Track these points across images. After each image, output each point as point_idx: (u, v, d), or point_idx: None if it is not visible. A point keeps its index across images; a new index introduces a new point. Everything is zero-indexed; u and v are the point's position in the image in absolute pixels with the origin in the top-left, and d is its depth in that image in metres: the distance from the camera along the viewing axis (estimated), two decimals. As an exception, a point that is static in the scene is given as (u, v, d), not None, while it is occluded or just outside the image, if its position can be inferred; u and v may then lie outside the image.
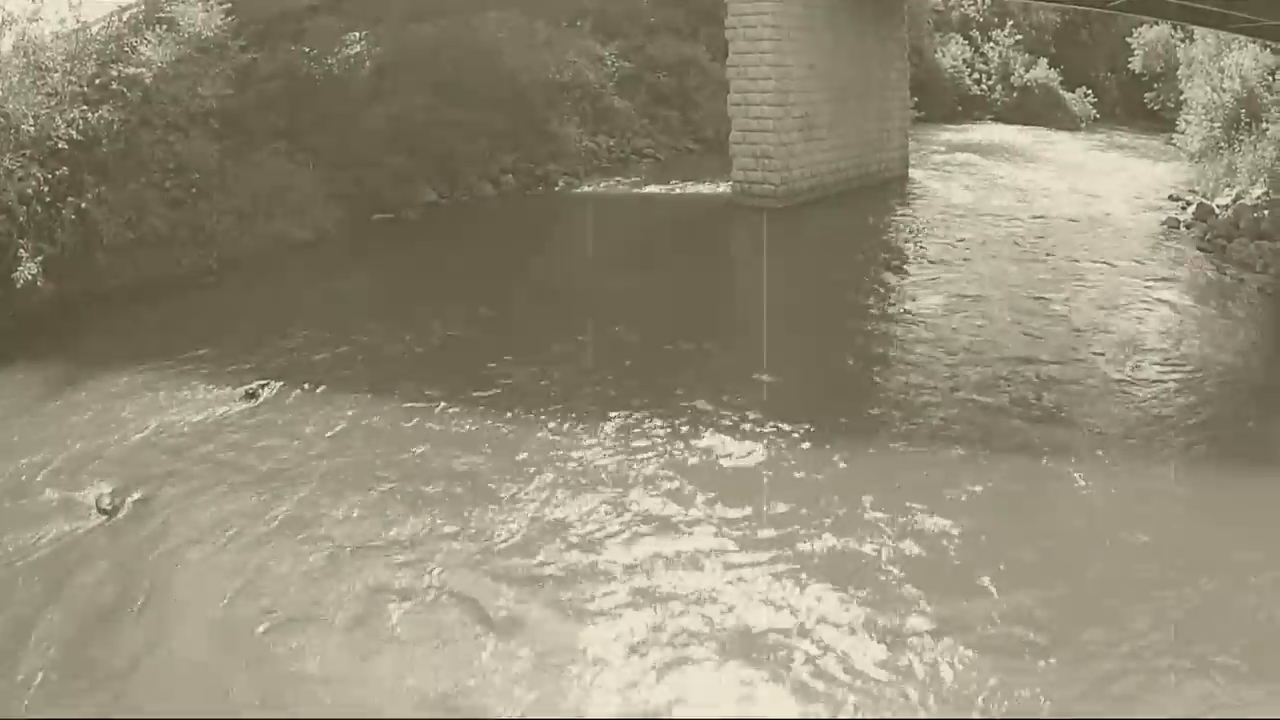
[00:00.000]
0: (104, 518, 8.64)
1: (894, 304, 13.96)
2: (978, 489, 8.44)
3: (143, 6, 19.56)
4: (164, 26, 17.39)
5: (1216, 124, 23.70)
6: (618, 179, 24.48)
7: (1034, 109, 40.22)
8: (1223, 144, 23.07)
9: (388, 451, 9.49)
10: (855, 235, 18.01)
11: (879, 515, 8.02)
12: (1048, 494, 8.45)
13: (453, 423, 10.07)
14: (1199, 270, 15.64)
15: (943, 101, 38.82)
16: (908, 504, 8.15)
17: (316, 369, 11.67)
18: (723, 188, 21.51)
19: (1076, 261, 16.24)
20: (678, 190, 22.71)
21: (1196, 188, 23.40)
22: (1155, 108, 40.24)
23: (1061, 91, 40.99)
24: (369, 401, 10.66)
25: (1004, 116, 40.23)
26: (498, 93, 23.49)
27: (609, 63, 28.30)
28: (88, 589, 7.57)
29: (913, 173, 24.00)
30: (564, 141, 24.80)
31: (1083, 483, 8.51)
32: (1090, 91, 41.40)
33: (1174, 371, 11.13)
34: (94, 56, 17.29)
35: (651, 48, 29.66)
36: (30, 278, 14.50)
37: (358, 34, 22.83)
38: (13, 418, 11.21)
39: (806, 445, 9.27)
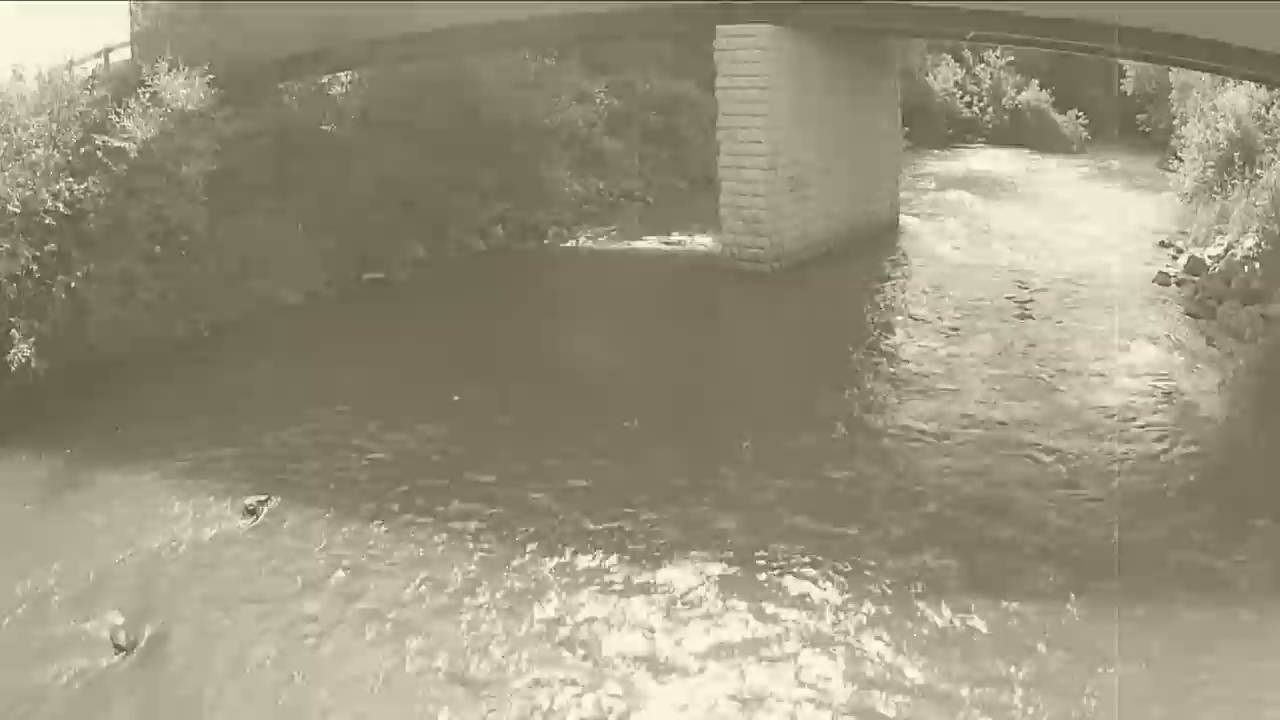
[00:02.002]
0: (121, 654, 9.00)
1: (873, 403, 14.03)
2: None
3: (102, 62, 19.94)
4: (147, 95, 17.66)
5: (1210, 164, 23.79)
6: (607, 228, 24.85)
7: (1026, 132, 40.97)
8: (1215, 187, 23.26)
9: (388, 584, 9.86)
10: (841, 305, 18.40)
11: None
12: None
13: (449, 549, 10.44)
14: (1185, 343, 16.02)
15: (934, 126, 39.51)
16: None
17: (312, 480, 12.02)
18: (711, 241, 21.98)
19: (1060, 329, 16.75)
20: (666, 246, 23.06)
21: (1188, 229, 23.98)
22: (1147, 130, 41.11)
23: (1053, 114, 41.70)
24: (366, 521, 11.02)
25: (996, 139, 40.96)
26: (487, 141, 23.88)
27: (599, 100, 28.72)
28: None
29: (903, 219, 24.50)
30: (553, 187, 25.19)
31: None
32: (1082, 114, 42.09)
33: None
34: (77, 122, 17.63)
35: (641, 84, 30.09)
36: (24, 360, 14.89)
37: (343, 83, 23.24)
38: (11, 524, 11.60)
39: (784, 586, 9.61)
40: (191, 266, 18.25)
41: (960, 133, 41.06)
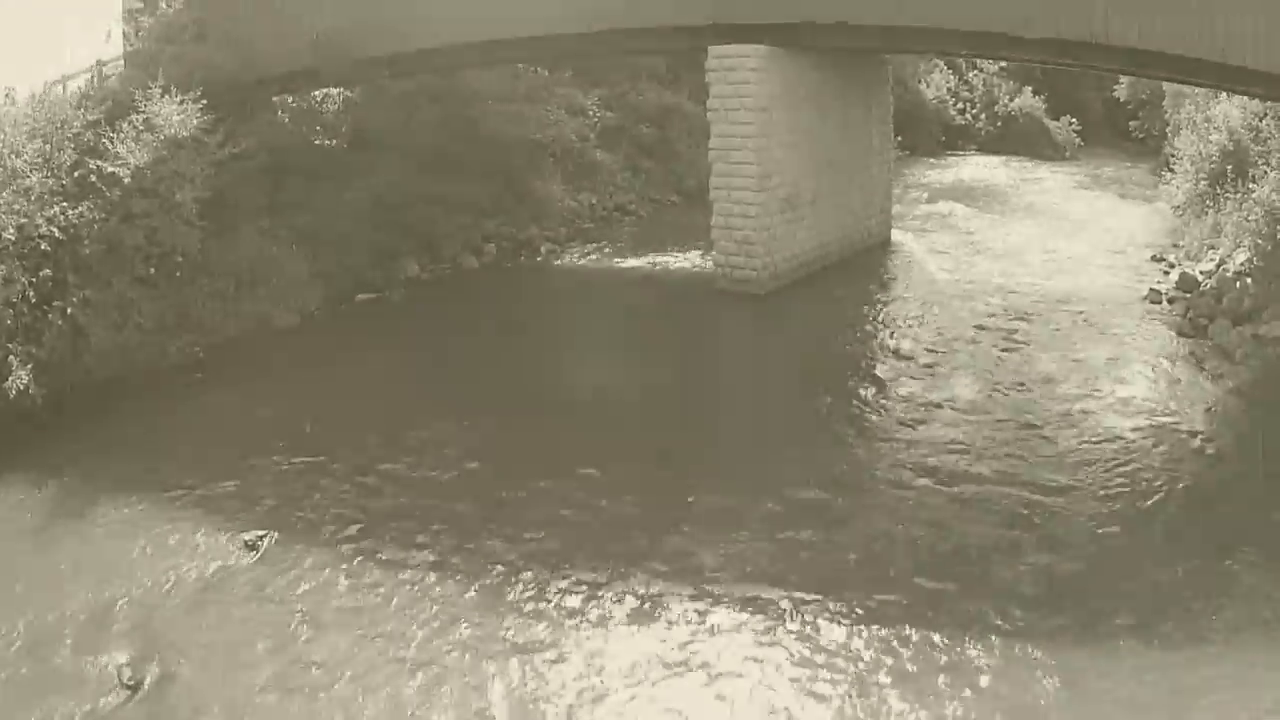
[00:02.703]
0: (128, 693, 9.24)
1: (848, 455, 13.81)
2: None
3: (94, 79, 20.11)
4: (140, 120, 17.86)
5: (1202, 177, 24.05)
6: (600, 244, 25.11)
7: (1018, 139, 41.42)
8: (1208, 200, 23.44)
9: (381, 628, 10.11)
10: (826, 335, 18.39)
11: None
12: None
13: (450, 588, 10.71)
14: (1175, 368, 16.25)
15: (927, 133, 39.97)
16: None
17: (310, 514, 12.27)
18: (703, 259, 22.30)
19: (1047, 360, 16.78)
20: (659, 265, 23.27)
21: (1180, 242, 24.29)
22: (1140, 136, 41.56)
23: (1046, 121, 42.12)
24: (364, 558, 11.30)
25: (988, 146, 41.42)
26: (480, 157, 24.16)
27: (592, 114, 29.01)
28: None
29: (895, 234, 24.78)
30: (546, 202, 25.50)
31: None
32: (1074, 120, 42.52)
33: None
34: (70, 144, 17.82)
35: (634, 96, 30.40)
36: (23, 386, 15.09)
37: (335, 100, 23.49)
38: (14, 555, 11.78)
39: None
40: (186, 288, 18.49)
41: (953, 140, 41.52)
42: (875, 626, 9.73)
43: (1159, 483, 12.48)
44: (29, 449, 14.41)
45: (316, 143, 21.69)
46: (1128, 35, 16.74)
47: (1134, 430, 13.95)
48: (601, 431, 14.42)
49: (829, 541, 11.31)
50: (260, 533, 11.74)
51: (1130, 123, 42.99)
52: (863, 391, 15.79)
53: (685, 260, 23.44)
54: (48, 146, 17.42)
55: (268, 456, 13.88)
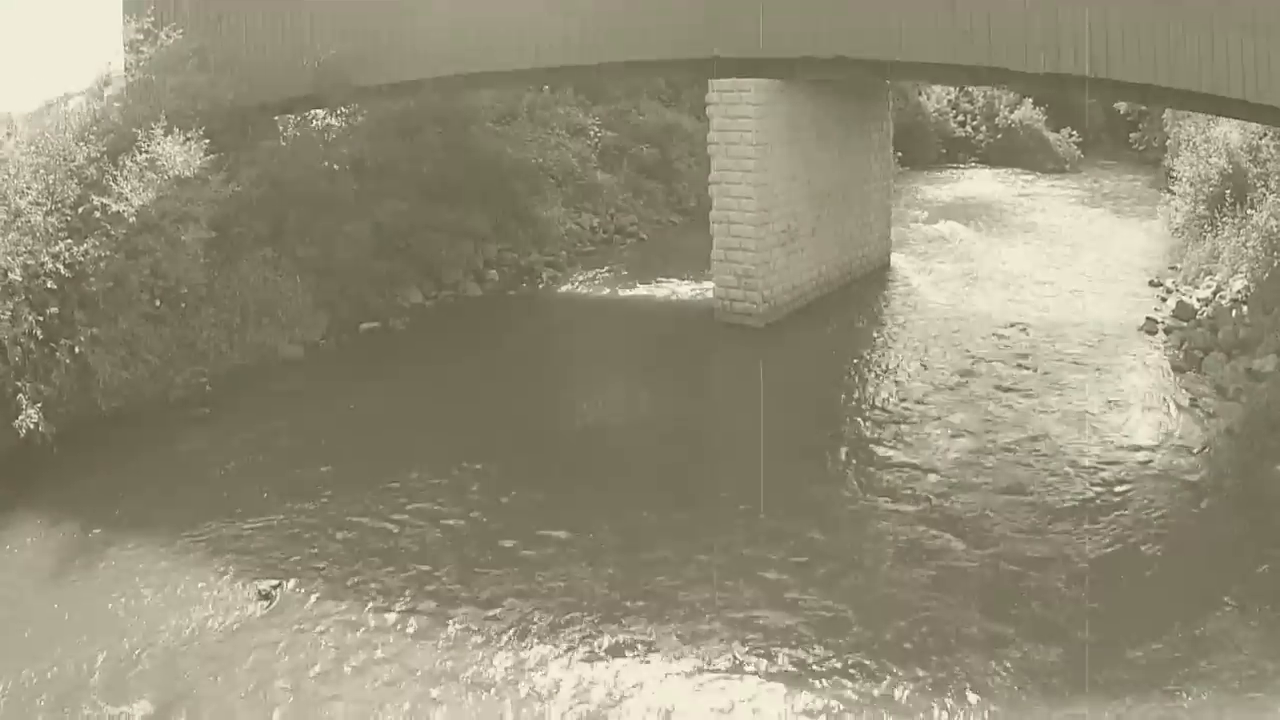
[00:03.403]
0: (153, 746, 9.71)
1: (830, 514, 13.85)
2: None
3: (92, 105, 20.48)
4: (144, 158, 18.27)
5: (1201, 199, 24.38)
6: (601, 269, 25.53)
7: (1018, 151, 41.84)
8: (1206, 223, 23.68)
9: (402, 684, 10.53)
10: (819, 373, 18.75)
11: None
12: None
13: (463, 636, 11.19)
14: (1168, 407, 16.66)
15: (927, 145, 40.42)
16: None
17: (319, 561, 12.74)
18: (701, 286, 22.75)
19: (1039, 401, 17.11)
20: (658, 294, 23.68)
21: (1178, 264, 24.63)
22: (1140, 148, 42.01)
23: (1046, 133, 42.53)
24: (376, 606, 11.78)
25: (989, 158, 41.82)
26: (482, 181, 24.58)
27: (593, 133, 29.43)
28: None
29: (894, 258, 25.19)
30: (548, 225, 25.92)
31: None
32: (1075, 132, 42.92)
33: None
34: (74, 178, 18.22)
35: (634, 115, 30.80)
36: (33, 425, 15.50)
37: (335, 129, 23.87)
38: (32, 599, 12.22)
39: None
40: (191, 319, 18.94)
41: (954, 152, 41.96)
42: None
43: (1143, 532, 12.91)
44: (39, 484, 14.90)
45: (318, 170, 21.97)
46: (1128, 71, 17.02)
47: (1123, 479, 14.31)
48: (597, 474, 14.95)
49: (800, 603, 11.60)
50: (273, 582, 12.17)
51: (1130, 135, 43.51)
52: (853, 436, 16.14)
53: (684, 287, 23.85)
54: (51, 177, 17.87)
55: (276, 498, 14.33)
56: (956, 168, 40.59)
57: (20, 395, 15.78)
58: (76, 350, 16.73)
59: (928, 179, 37.32)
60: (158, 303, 18.24)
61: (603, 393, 17.84)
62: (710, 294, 21.51)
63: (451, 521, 13.65)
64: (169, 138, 18.55)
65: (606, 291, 24.12)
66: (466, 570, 12.42)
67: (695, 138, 28.90)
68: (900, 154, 30.99)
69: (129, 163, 18.29)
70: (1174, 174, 27.49)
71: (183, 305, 18.72)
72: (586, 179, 28.26)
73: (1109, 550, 12.54)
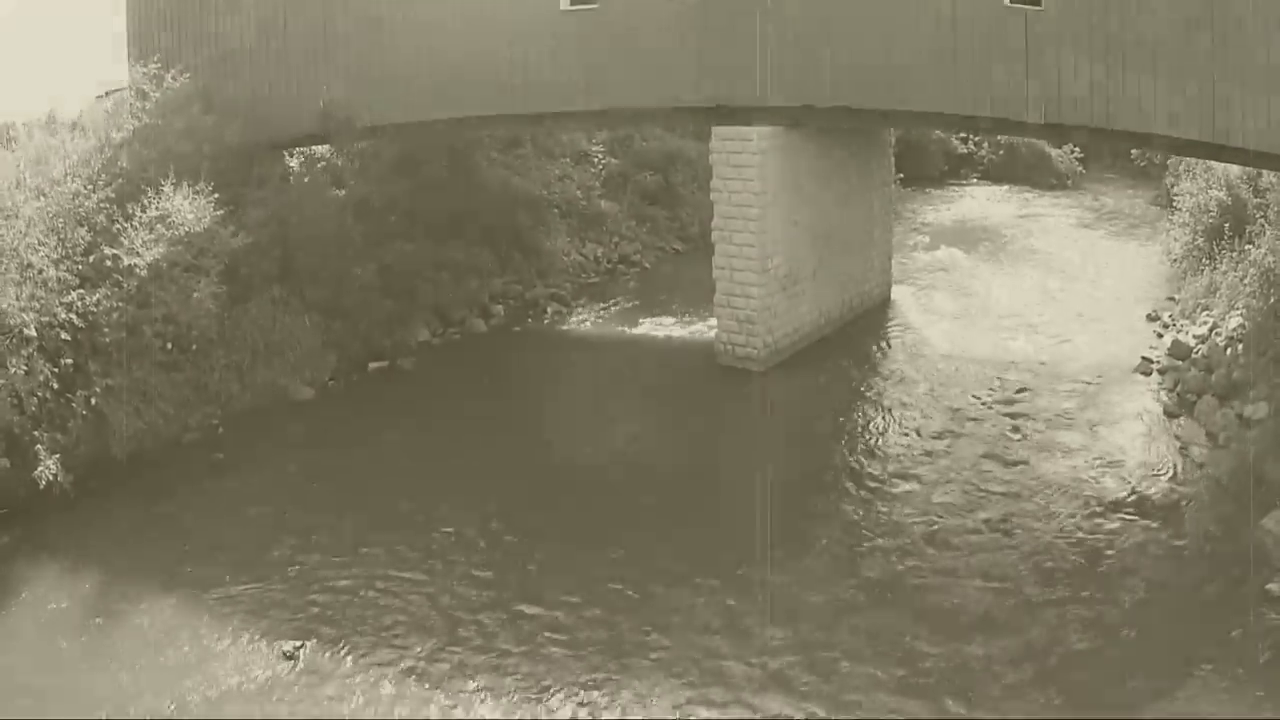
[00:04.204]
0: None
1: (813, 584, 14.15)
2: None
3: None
4: (154, 214, 18.77)
5: (1200, 231, 24.53)
6: (605, 303, 26.04)
7: (1020, 167, 42.07)
8: (1205, 256, 23.92)
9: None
10: (813, 425, 19.10)
11: None
12: None
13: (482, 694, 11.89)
14: (1157, 456, 17.13)
15: (929, 162, 40.69)
16: None
17: (339, 617, 13.42)
18: (702, 321, 23.31)
19: (1034, 455, 17.51)
20: (660, 331, 24.15)
21: (1177, 295, 25.00)
22: (1141, 164, 42.27)
23: (1048, 148, 42.80)
24: (399, 666, 12.43)
25: (990, 175, 42.12)
26: (486, 214, 25.12)
27: (596, 160, 29.90)
28: None
29: (895, 291, 25.59)
30: (552, 257, 26.43)
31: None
32: (1076, 147, 43.15)
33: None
34: (84, 225, 18.71)
35: (638, 141, 31.24)
36: (52, 476, 16.06)
37: (340, 168, 24.39)
38: (58, 655, 12.82)
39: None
40: (202, 361, 19.53)
41: (956, 168, 42.25)
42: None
43: (1122, 594, 13.44)
44: (58, 532, 15.59)
45: (324, 212, 22.46)
46: (1130, 121, 17.43)
47: (1108, 536, 14.84)
48: (609, 533, 15.52)
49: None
50: (297, 643, 12.76)
51: (1132, 150, 43.71)
52: (845, 490, 16.63)
53: (686, 323, 24.26)
54: (60, 222, 18.38)
55: (292, 550, 15.01)
56: (959, 184, 40.91)
57: (38, 445, 16.36)
58: (92, 401, 17.28)
59: (929, 198, 37.65)
60: (169, 346, 18.78)
61: (606, 440, 18.42)
62: (711, 331, 22.02)
63: (467, 571, 14.41)
64: (178, 193, 19.03)
65: (609, 329, 24.58)
66: (482, 625, 13.13)
67: (698, 163, 29.34)
68: (902, 174, 31.36)
69: (139, 214, 18.81)
70: (1175, 191, 27.71)
71: (194, 347, 19.29)
72: (590, 208, 28.71)
73: (1082, 632, 12.76)
